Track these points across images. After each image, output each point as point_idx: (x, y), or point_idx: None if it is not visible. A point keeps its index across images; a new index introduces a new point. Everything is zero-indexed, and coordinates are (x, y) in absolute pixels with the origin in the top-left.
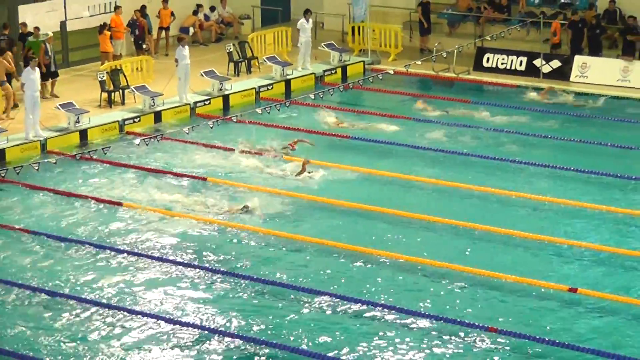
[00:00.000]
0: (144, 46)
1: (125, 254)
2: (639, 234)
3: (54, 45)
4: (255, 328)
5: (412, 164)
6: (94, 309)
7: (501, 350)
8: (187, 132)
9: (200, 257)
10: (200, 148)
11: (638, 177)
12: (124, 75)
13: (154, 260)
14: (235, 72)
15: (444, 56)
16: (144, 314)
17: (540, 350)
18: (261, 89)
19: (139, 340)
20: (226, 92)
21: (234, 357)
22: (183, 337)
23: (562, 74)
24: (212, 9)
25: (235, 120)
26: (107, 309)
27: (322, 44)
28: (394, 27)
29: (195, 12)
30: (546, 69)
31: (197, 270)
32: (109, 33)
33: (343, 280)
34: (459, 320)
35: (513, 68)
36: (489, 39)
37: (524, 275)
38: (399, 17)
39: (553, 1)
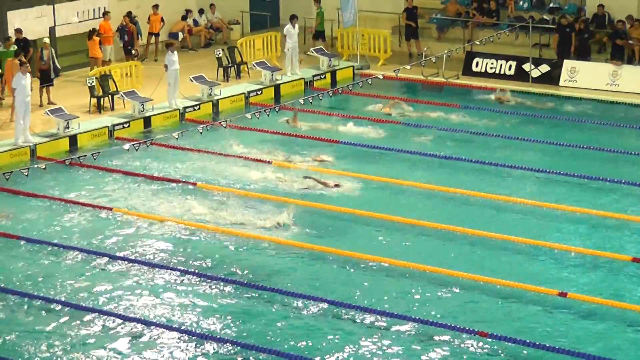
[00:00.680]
0: (133, 52)
1: (114, 259)
2: (629, 238)
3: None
4: (253, 334)
5: (400, 168)
6: (84, 314)
7: (491, 355)
8: (177, 137)
9: (190, 263)
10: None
11: (628, 182)
12: (114, 81)
13: (144, 266)
14: (224, 78)
15: (434, 61)
16: (133, 320)
17: (530, 354)
18: (250, 94)
19: (131, 346)
20: (215, 98)
21: None
22: (179, 344)
23: (551, 78)
24: (201, 11)
25: (224, 125)
26: (97, 314)
27: (311, 49)
28: (383, 32)
29: (184, 18)
30: (535, 73)
31: (194, 277)
32: (98, 39)
33: (325, 285)
34: (449, 324)
35: (502, 72)
36: (478, 43)
37: (514, 279)
38: (388, 22)
39: (542, 6)
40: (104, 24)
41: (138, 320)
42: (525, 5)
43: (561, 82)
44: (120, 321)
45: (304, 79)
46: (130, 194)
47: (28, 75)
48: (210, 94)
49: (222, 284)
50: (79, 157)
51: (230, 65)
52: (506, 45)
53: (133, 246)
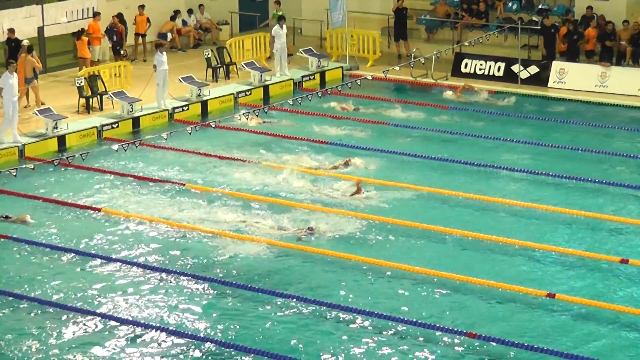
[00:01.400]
0: (122, 52)
1: (102, 260)
2: (617, 239)
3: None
4: (255, 337)
5: (389, 169)
6: (70, 315)
7: (479, 356)
8: (166, 137)
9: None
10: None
11: (616, 183)
12: (102, 81)
13: (132, 266)
14: (213, 78)
15: (423, 62)
16: (121, 320)
17: (518, 355)
18: (239, 95)
19: (118, 347)
20: (204, 98)
21: None
22: (177, 346)
23: (540, 79)
24: (190, 12)
25: (214, 126)
26: (83, 315)
27: (301, 50)
28: (372, 33)
29: (173, 18)
30: (524, 74)
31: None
32: (86, 39)
33: (308, 284)
34: (437, 325)
35: (491, 74)
36: (467, 44)
37: (503, 280)
38: (377, 23)
39: (531, 7)
40: (93, 24)
41: (126, 321)
42: (514, 6)
43: (550, 84)
44: (108, 322)
45: (293, 79)
46: (119, 195)
47: (15, 75)
48: (199, 95)
49: (207, 284)
50: (67, 158)
51: (219, 65)
52: (495, 46)
53: (121, 246)
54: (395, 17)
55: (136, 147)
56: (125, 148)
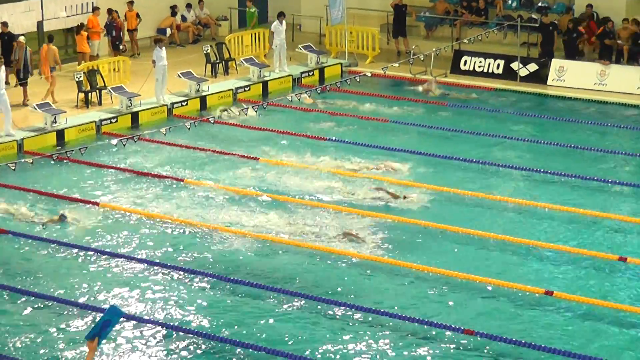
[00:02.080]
0: (121, 47)
1: (100, 254)
2: (615, 237)
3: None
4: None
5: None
6: (66, 308)
7: (477, 352)
8: (164, 132)
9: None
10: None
11: (614, 181)
12: (101, 76)
13: (130, 261)
14: (212, 74)
15: (422, 59)
16: (126, 317)
17: (516, 352)
18: (238, 91)
19: (121, 342)
20: (203, 94)
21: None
22: (178, 342)
23: (539, 77)
24: (189, 7)
25: (212, 121)
26: (80, 309)
27: (300, 46)
28: (372, 30)
29: (172, 14)
30: (523, 72)
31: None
32: (85, 34)
33: (297, 279)
34: (435, 322)
35: (490, 71)
36: (467, 42)
37: (500, 277)
38: (377, 20)
39: (530, 5)
40: (92, 19)
41: (124, 316)
42: (514, 4)
43: (549, 81)
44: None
45: (292, 75)
46: (117, 189)
47: (3, 68)
48: (198, 90)
49: (207, 279)
50: (66, 152)
51: (218, 61)
52: (494, 44)
53: (119, 241)
54: (395, 14)
55: (135, 142)
56: (124, 143)
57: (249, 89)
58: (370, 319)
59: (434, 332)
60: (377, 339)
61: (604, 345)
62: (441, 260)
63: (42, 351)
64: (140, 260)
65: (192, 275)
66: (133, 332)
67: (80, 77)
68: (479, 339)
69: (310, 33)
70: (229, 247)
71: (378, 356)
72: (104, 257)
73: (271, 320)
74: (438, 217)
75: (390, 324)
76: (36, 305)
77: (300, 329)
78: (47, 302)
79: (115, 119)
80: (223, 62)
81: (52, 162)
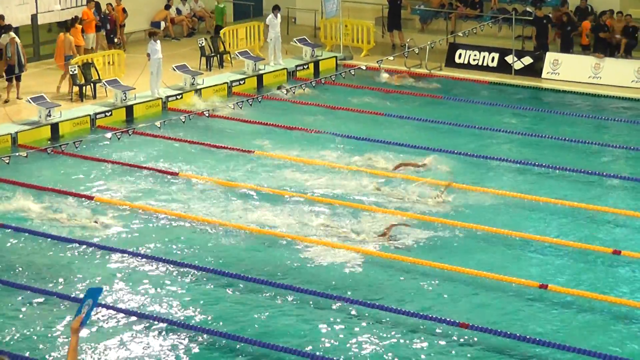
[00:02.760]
0: (116, 40)
1: (95, 248)
2: (610, 230)
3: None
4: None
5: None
6: (61, 302)
7: (472, 346)
8: (159, 126)
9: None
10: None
11: (609, 174)
12: (96, 69)
13: (124, 255)
14: (207, 67)
15: (417, 52)
16: (120, 310)
17: (510, 345)
18: (233, 84)
19: (119, 337)
20: (198, 87)
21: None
22: (176, 337)
23: (533, 70)
24: (184, 0)
25: (207, 115)
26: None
27: (295, 39)
28: (366, 23)
29: (167, 7)
30: (518, 65)
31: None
32: (80, 27)
33: (293, 273)
34: (429, 315)
35: (485, 64)
36: (461, 35)
37: (495, 271)
38: (371, 13)
39: None
40: (87, 11)
41: (121, 310)
42: None
43: (544, 75)
44: (101, 310)
45: (286, 69)
46: (112, 183)
47: None
48: (192, 83)
49: (204, 273)
50: (60, 146)
51: (213, 54)
52: (489, 37)
53: (113, 235)
54: (390, 7)
55: (129, 135)
56: (119, 136)
57: (244, 82)
58: (366, 313)
59: (428, 326)
60: (372, 332)
61: (598, 338)
62: (435, 254)
63: (41, 346)
64: (135, 254)
65: (187, 268)
66: (128, 326)
67: (75, 70)
68: (473, 332)
69: (305, 26)
70: (225, 240)
71: (373, 349)
72: (99, 251)
73: (267, 314)
74: (431, 210)
75: (386, 318)
76: (33, 300)
77: (297, 323)
78: (44, 297)
79: (110, 113)
80: (218, 55)
81: (47, 155)
